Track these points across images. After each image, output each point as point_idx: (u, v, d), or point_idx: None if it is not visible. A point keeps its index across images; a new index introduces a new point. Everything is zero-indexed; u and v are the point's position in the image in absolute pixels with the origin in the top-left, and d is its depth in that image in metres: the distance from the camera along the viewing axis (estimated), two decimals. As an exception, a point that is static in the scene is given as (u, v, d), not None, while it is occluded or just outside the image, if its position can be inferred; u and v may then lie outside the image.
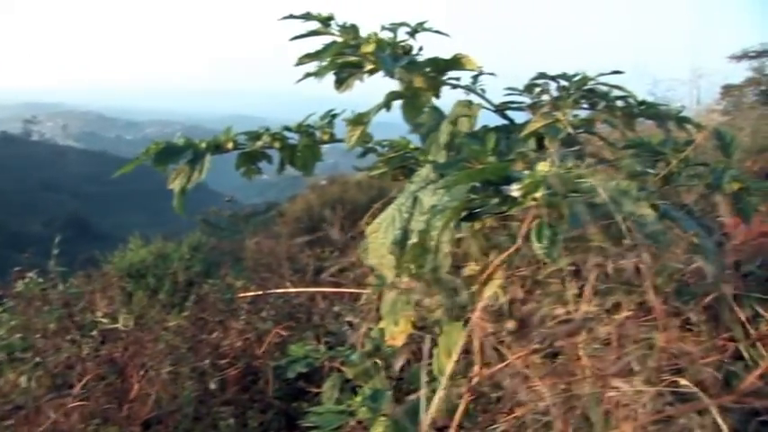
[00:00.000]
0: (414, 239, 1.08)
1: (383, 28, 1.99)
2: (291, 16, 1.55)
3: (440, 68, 1.61)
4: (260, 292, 3.66)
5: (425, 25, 1.97)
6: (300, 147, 2.05)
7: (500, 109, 2.26)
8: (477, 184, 0.97)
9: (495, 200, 0.93)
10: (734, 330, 1.67)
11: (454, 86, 2.18)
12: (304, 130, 2.02)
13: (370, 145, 2.06)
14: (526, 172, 0.93)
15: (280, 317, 3.30)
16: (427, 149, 1.46)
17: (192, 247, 7.51)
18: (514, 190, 0.92)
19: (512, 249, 0.99)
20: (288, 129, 2.06)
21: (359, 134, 1.64)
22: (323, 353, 2.27)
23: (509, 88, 2.29)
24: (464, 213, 1.00)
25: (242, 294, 3.67)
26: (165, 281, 6.31)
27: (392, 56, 1.49)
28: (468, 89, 2.18)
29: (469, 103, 2.16)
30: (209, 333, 3.18)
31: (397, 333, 1.82)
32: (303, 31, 1.58)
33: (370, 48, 1.51)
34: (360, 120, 1.63)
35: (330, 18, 1.56)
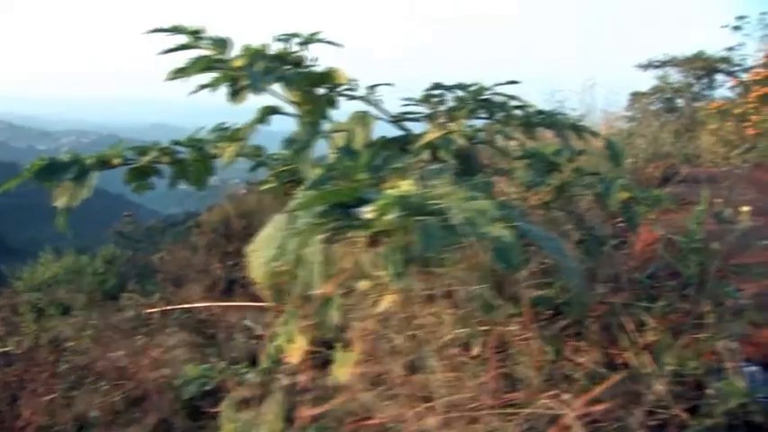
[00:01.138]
0: (288, 258, 1.04)
1: (276, 39, 1.95)
2: (159, 30, 1.49)
3: (314, 82, 1.58)
4: (167, 307, 3.56)
5: (318, 36, 1.95)
6: (190, 161, 1.98)
7: (396, 120, 2.25)
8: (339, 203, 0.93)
9: (348, 222, 0.89)
10: (622, 340, 1.70)
11: (350, 98, 2.16)
12: (193, 144, 1.95)
13: (261, 158, 2.01)
14: (389, 191, 0.91)
15: (186, 332, 3.20)
16: (300, 166, 1.42)
17: (106, 261, 7.25)
18: (366, 212, 0.89)
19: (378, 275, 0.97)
20: (177, 143, 1.99)
21: (234, 150, 1.59)
22: (219, 371, 2.20)
23: (406, 98, 2.28)
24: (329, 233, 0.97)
25: (149, 310, 3.56)
26: (78, 296, 6.07)
27: (265, 70, 1.44)
28: (364, 100, 2.16)
29: (365, 114, 2.14)
30: (113, 351, 3.06)
31: (293, 350, 1.78)
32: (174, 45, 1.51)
33: (240, 62, 1.47)
34: (235, 136, 1.58)
35: (199, 31, 1.50)
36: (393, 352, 1.64)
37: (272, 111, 1.56)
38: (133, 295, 4.03)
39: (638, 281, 1.81)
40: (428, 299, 1.16)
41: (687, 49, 16.14)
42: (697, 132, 10.16)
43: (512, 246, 0.81)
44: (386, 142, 2.28)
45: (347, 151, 1.35)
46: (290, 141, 1.46)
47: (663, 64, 16.06)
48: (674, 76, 16.02)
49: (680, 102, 15.78)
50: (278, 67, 1.50)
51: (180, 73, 1.44)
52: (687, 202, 4.29)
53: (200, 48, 1.51)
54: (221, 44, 1.48)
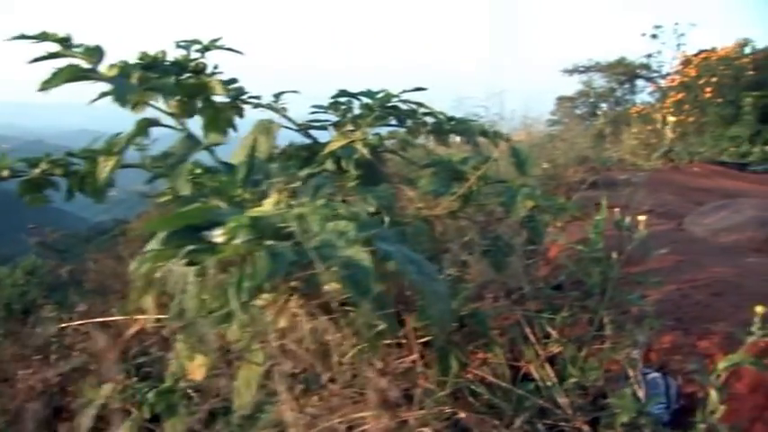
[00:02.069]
0: (139, 284, 0.96)
1: (177, 45, 1.85)
2: (24, 37, 1.38)
3: (189, 93, 1.49)
4: (82, 321, 3.39)
5: (218, 43, 1.86)
6: (85, 173, 1.87)
7: (303, 128, 2.19)
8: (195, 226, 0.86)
9: (199, 246, 0.82)
10: (525, 352, 1.68)
11: (255, 105, 2.09)
12: (87, 155, 1.84)
13: (161, 169, 1.91)
14: (249, 212, 0.83)
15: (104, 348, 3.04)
16: (172, 182, 1.34)
17: (26, 272, 6.90)
18: (216, 236, 0.82)
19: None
20: (71, 154, 1.87)
21: (112, 165, 1.49)
22: (119, 393, 2.07)
23: (315, 106, 2.22)
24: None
25: (63, 324, 3.39)
26: (-4, 310, 5.76)
27: (139, 80, 1.35)
28: (269, 107, 2.09)
29: (269, 122, 2.07)
30: (25, 369, 2.89)
31: (195, 367, 1.70)
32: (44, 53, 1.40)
33: (112, 72, 1.37)
34: (111, 149, 1.48)
35: (67, 39, 1.39)
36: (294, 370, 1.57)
37: (151, 123, 1.46)
38: (51, 308, 3.83)
39: (542, 291, 1.79)
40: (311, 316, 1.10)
41: (610, 55, 16.62)
42: (619, 136, 10.44)
43: (366, 271, 0.75)
44: (292, 151, 2.22)
45: (226, 165, 1.27)
46: (165, 155, 1.37)
47: (587, 69, 16.51)
48: (598, 81, 16.51)
49: (604, 106, 16.24)
50: (152, 77, 1.40)
51: (47, 84, 1.33)
52: (609, 206, 4.37)
53: (70, 56, 1.40)
54: (93, 53, 1.38)
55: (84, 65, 1.40)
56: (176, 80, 1.48)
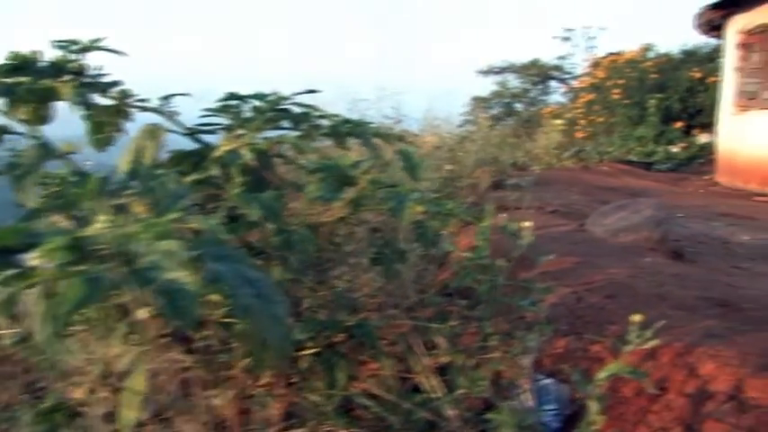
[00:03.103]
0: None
1: (53, 46, 1.72)
2: None
3: (41, 99, 1.37)
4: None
5: (99, 44, 1.74)
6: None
7: (192, 132, 2.08)
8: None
9: (13, 271, 0.71)
10: (413, 363, 1.63)
11: (143, 109, 1.97)
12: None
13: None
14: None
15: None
16: (19, 195, 1.22)
17: None
18: (32, 259, 0.72)
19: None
20: None
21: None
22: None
23: (206, 109, 2.12)
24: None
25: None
26: None
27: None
28: (157, 111, 1.98)
29: (155, 126, 1.96)
30: None
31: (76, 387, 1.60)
32: None
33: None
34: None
35: None
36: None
37: (3, 131, 1.33)
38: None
39: (432, 299, 1.74)
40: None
41: (525, 57, 17.04)
42: (533, 136, 10.66)
43: (190, 296, 0.67)
44: (180, 157, 2.11)
45: (76, 174, 1.16)
46: (12, 166, 1.25)
47: (502, 70, 16.87)
48: (513, 81, 16.89)
49: (518, 106, 16.62)
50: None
51: None
52: (516, 208, 4.41)
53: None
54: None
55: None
56: (31, 83, 1.35)
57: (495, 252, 1.75)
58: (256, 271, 0.81)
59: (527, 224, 1.56)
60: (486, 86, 16.67)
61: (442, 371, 1.69)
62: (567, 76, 16.40)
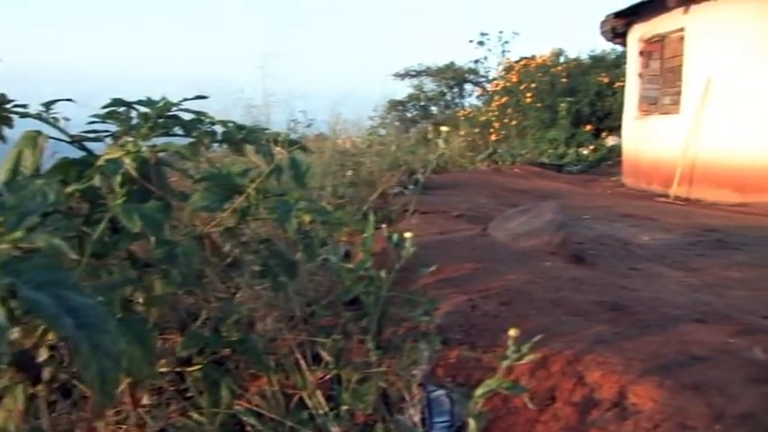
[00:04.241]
0: None
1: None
2: None
3: None
4: None
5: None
6: None
7: (76, 140, 1.97)
8: None
9: None
10: (298, 378, 1.57)
11: (22, 115, 1.86)
12: None
13: None
14: None
15: None
16: None
17: None
18: None
19: None
20: None
21: None
22: None
23: (94, 116, 2.02)
24: None
25: None
26: None
27: None
28: (38, 117, 1.87)
29: (37, 134, 1.84)
30: None
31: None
32: None
33: None
34: None
35: None
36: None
37: None
38: None
39: (319, 313, 1.69)
40: None
41: (440, 60, 17.24)
42: (447, 139, 10.76)
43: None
44: (64, 165, 1.99)
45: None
46: None
47: (418, 73, 17.03)
48: (429, 85, 17.07)
49: (434, 109, 16.82)
50: None
51: None
52: (424, 212, 4.41)
53: None
54: None
55: None
56: None
57: (385, 263, 1.72)
58: (84, 297, 0.74)
59: (409, 234, 1.53)
60: (403, 90, 16.79)
61: (330, 386, 1.65)
62: (481, 79, 16.70)
